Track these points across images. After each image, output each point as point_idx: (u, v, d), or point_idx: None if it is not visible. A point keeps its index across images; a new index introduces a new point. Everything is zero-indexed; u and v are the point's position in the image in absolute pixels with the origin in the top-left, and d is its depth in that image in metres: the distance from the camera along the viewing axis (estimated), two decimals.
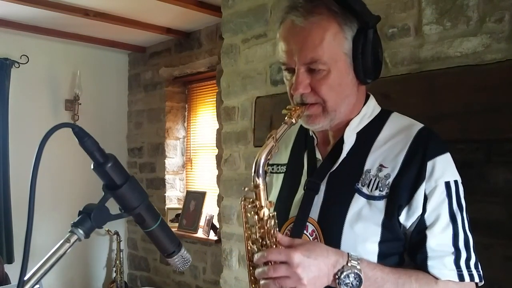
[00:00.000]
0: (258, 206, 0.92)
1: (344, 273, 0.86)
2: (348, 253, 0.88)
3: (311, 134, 1.10)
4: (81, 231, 0.71)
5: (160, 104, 4.18)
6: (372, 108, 1.05)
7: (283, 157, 1.16)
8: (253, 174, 0.92)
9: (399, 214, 0.93)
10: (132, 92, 4.50)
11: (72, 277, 4.09)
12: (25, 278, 0.66)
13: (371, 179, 0.95)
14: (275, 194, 1.12)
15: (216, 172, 3.37)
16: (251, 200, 0.94)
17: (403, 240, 0.95)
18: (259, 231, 0.93)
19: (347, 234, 0.94)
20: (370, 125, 1.03)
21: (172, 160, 4.17)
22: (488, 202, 1.48)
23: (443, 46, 1.64)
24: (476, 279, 0.92)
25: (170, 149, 4.16)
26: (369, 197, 0.95)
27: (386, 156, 0.97)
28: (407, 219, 0.93)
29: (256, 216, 0.93)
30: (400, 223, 0.93)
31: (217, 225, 3.41)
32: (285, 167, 1.15)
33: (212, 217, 3.57)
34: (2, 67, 3.63)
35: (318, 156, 1.06)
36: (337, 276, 0.86)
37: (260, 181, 0.92)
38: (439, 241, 0.91)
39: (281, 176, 1.14)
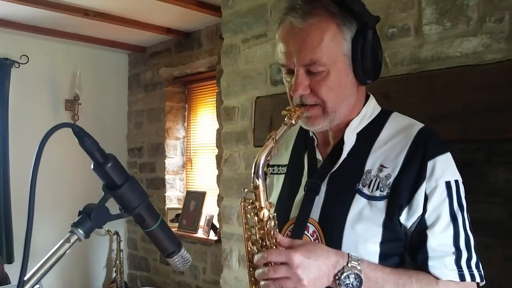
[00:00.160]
0: (258, 207, 0.92)
1: (345, 274, 0.86)
2: (348, 254, 0.88)
3: (311, 135, 1.09)
4: (81, 231, 0.71)
5: (160, 104, 4.18)
6: (372, 108, 1.05)
7: (284, 158, 1.16)
8: (252, 175, 0.92)
9: (399, 214, 0.92)
10: (132, 92, 4.50)
11: (72, 277, 4.09)
12: (25, 278, 0.66)
13: (372, 180, 0.95)
14: (275, 195, 1.12)
15: (216, 172, 3.37)
16: (250, 201, 0.94)
17: (404, 241, 0.95)
18: (259, 232, 0.92)
19: (348, 235, 0.94)
20: (370, 125, 1.03)
21: (172, 160, 4.17)
22: (488, 202, 1.48)
23: (443, 46, 1.64)
24: (477, 279, 0.91)
25: (170, 149, 4.16)
26: (370, 198, 0.94)
27: (387, 156, 0.96)
28: (407, 219, 0.93)
29: (256, 217, 0.93)
30: (400, 223, 0.93)
31: (217, 225, 3.41)
32: (285, 168, 1.14)
33: (212, 217, 3.57)
34: (2, 67, 3.63)
35: (319, 156, 1.06)
36: (337, 277, 0.86)
37: (259, 182, 0.92)
38: (439, 241, 0.91)
39: (282, 177, 1.14)
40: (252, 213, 0.93)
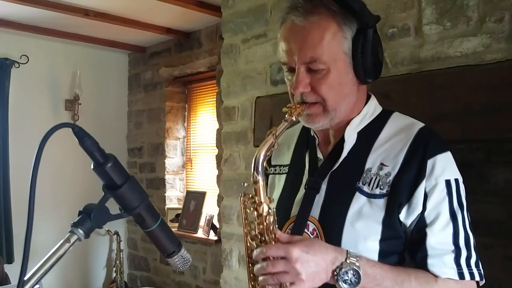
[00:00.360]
0: (257, 202, 0.93)
1: (343, 270, 0.86)
2: (347, 250, 0.89)
3: (312, 134, 1.10)
4: (81, 231, 0.71)
5: (160, 104, 4.18)
6: (373, 108, 1.05)
7: (285, 158, 1.17)
8: (252, 170, 0.92)
9: (399, 212, 0.93)
10: (132, 92, 4.50)
11: (72, 277, 4.09)
12: (25, 278, 0.66)
13: (372, 178, 0.96)
14: (277, 195, 1.13)
15: (216, 172, 3.37)
16: (250, 195, 0.94)
17: (404, 239, 0.95)
18: (258, 227, 0.93)
19: (348, 232, 0.94)
20: (371, 125, 1.03)
21: (172, 160, 4.17)
22: (488, 202, 1.48)
23: (443, 46, 1.64)
24: (477, 278, 0.91)
25: (170, 149, 4.16)
26: (370, 195, 0.95)
27: (387, 155, 0.97)
28: (407, 217, 0.93)
29: (255, 212, 0.93)
30: (400, 222, 0.93)
31: (217, 225, 3.41)
32: (287, 168, 1.15)
33: (212, 217, 3.57)
34: (2, 67, 3.63)
35: (320, 155, 1.07)
36: (335, 272, 0.86)
37: (259, 177, 0.92)
38: (439, 239, 0.91)
39: (283, 177, 1.14)
40: (251, 208, 0.94)
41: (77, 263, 4.10)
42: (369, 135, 1.02)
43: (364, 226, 0.93)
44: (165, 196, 4.14)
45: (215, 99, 3.53)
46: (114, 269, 4.14)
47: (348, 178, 0.99)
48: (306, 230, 0.99)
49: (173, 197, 4.19)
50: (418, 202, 0.92)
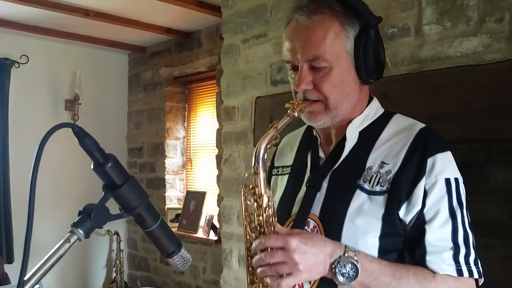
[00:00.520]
0: (257, 193, 0.94)
1: (341, 263, 0.87)
2: (345, 245, 0.89)
3: (315, 134, 1.12)
4: (81, 231, 0.71)
5: (160, 104, 4.18)
6: (375, 109, 1.07)
7: (288, 159, 1.18)
8: (253, 161, 0.94)
9: (399, 209, 0.93)
10: (132, 92, 4.50)
11: (72, 277, 4.09)
12: (25, 278, 0.66)
13: (373, 176, 0.97)
14: (279, 194, 1.14)
15: (216, 172, 3.37)
16: (250, 186, 0.96)
17: (403, 236, 0.96)
18: (257, 219, 0.94)
19: (348, 229, 0.95)
20: (372, 125, 1.05)
21: (172, 160, 4.17)
22: (488, 202, 1.48)
23: (443, 46, 1.64)
24: (475, 275, 0.91)
25: (170, 149, 4.16)
26: (370, 193, 0.96)
27: (388, 153, 0.98)
28: (406, 214, 0.93)
29: (255, 204, 0.95)
30: (400, 219, 0.94)
31: (217, 225, 3.41)
32: (289, 168, 1.17)
33: (212, 217, 3.57)
34: (2, 67, 3.63)
35: (321, 154, 1.08)
36: (333, 266, 0.87)
37: (260, 168, 0.94)
38: (438, 236, 0.91)
39: (286, 177, 1.16)
40: (252, 200, 0.95)
41: (77, 263, 4.10)
42: (370, 134, 1.03)
43: (364, 222, 0.94)
44: (165, 196, 4.14)
45: (215, 99, 3.53)
46: (114, 269, 4.14)
47: (349, 176, 1.00)
48: (306, 228, 1.00)
49: (173, 197, 4.19)
50: (417, 199, 0.92)
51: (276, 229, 0.93)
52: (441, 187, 0.92)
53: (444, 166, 0.94)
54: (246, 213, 0.98)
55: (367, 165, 0.99)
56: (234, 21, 2.53)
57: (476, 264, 0.92)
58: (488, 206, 1.48)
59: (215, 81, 3.51)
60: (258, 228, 0.94)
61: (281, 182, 1.16)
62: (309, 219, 1.00)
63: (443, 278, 0.90)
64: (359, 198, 0.96)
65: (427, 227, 0.92)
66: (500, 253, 1.46)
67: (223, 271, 2.57)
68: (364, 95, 1.06)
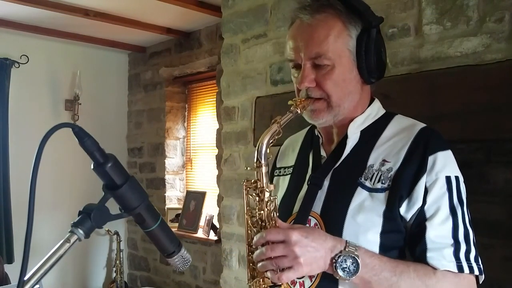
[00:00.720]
0: (259, 187, 0.95)
1: (342, 257, 0.87)
2: (346, 240, 0.90)
3: (316, 134, 1.13)
4: (81, 231, 0.71)
5: (160, 104, 4.18)
6: (376, 110, 1.08)
7: (290, 160, 1.19)
8: (255, 155, 0.95)
9: (399, 206, 0.94)
10: (132, 92, 4.50)
11: (72, 277, 4.09)
12: (25, 278, 0.66)
13: (374, 173, 0.98)
14: (281, 194, 1.15)
15: (216, 172, 3.37)
16: (252, 181, 0.97)
17: (404, 233, 0.96)
18: (259, 213, 0.95)
19: (349, 225, 0.95)
20: (374, 125, 1.06)
21: (172, 160, 4.17)
22: (488, 202, 1.48)
23: (443, 46, 1.64)
24: (476, 272, 0.92)
25: (170, 149, 4.16)
26: (371, 190, 0.96)
27: (389, 152, 0.99)
28: (407, 211, 0.94)
29: (257, 198, 0.96)
30: (401, 216, 0.95)
31: (217, 225, 3.41)
32: (291, 169, 1.17)
33: (212, 217, 3.57)
34: (2, 67, 3.63)
35: (323, 153, 1.09)
36: (334, 260, 0.87)
37: (262, 163, 0.95)
38: (438, 233, 0.92)
39: (288, 177, 1.17)
40: (253, 194, 0.96)
41: (77, 263, 4.10)
42: (372, 134, 1.04)
43: (365, 219, 0.95)
44: (165, 196, 4.14)
45: (215, 99, 3.53)
46: (114, 269, 4.14)
47: (350, 174, 1.00)
48: (307, 225, 1.01)
49: (173, 197, 4.19)
50: (418, 196, 0.93)
51: (277, 224, 0.93)
52: (441, 184, 0.93)
53: (444, 164, 0.94)
54: (247, 208, 0.99)
55: (369, 163, 1.00)
56: (234, 21, 2.53)
57: (476, 260, 0.92)
58: (488, 206, 1.48)
59: (215, 81, 3.51)
60: (260, 223, 0.95)
61: (283, 182, 1.17)
62: (310, 217, 1.01)
63: (443, 274, 0.90)
64: (360, 195, 0.97)
65: (428, 224, 0.92)
66: (500, 253, 1.46)
67: (223, 271, 2.57)
68: (366, 95, 1.07)
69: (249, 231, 0.98)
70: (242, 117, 2.50)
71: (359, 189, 0.98)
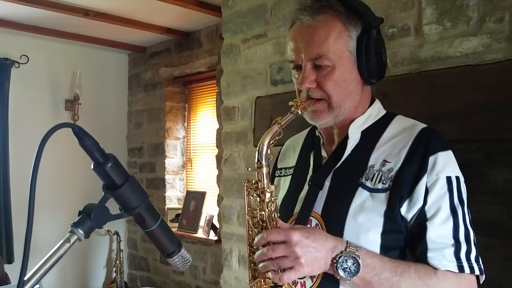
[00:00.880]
0: (260, 187, 0.96)
1: (342, 258, 0.87)
2: (347, 241, 0.90)
3: (317, 134, 1.13)
4: (81, 231, 0.71)
5: (160, 104, 4.18)
6: (377, 110, 1.08)
7: (291, 161, 1.20)
8: (256, 156, 0.95)
9: (400, 206, 0.94)
10: (132, 92, 4.50)
11: (72, 277, 4.09)
12: (25, 278, 0.66)
13: (375, 174, 0.98)
14: (282, 195, 1.15)
15: (216, 172, 3.37)
16: (253, 181, 0.97)
17: (405, 234, 0.96)
18: (260, 214, 0.95)
19: (350, 225, 0.95)
20: (374, 125, 1.06)
21: (172, 160, 4.17)
22: (488, 202, 1.48)
23: (443, 46, 1.64)
24: (477, 272, 0.92)
25: (170, 149, 4.16)
26: (372, 190, 0.97)
27: (390, 152, 0.99)
28: (408, 211, 0.94)
29: (258, 198, 0.96)
30: (402, 216, 0.95)
31: (217, 225, 3.41)
32: (292, 169, 1.18)
33: (212, 217, 3.57)
34: (2, 67, 3.63)
35: (324, 154, 1.09)
36: (335, 260, 0.88)
37: (263, 163, 0.95)
38: (439, 233, 0.92)
39: (289, 178, 1.17)
40: (254, 194, 0.96)
41: (77, 263, 4.10)
42: (372, 134, 1.04)
43: (365, 219, 0.95)
44: (165, 196, 4.14)
45: (215, 99, 3.53)
46: (114, 269, 4.14)
47: (351, 175, 1.01)
48: (308, 226, 1.01)
49: (173, 197, 4.19)
50: (419, 196, 0.93)
51: (278, 224, 0.94)
52: (442, 184, 0.93)
53: (445, 164, 0.95)
54: (248, 208, 0.99)
55: (369, 163, 1.00)
56: (234, 21, 2.53)
57: (477, 260, 0.92)
58: (488, 206, 1.48)
59: (215, 81, 3.51)
60: (261, 223, 0.95)
61: (284, 183, 1.17)
62: (311, 217, 1.01)
63: (444, 274, 0.90)
64: (361, 195, 0.97)
65: (429, 224, 0.92)
66: (500, 253, 1.46)
67: (223, 271, 2.57)
68: (367, 96, 1.07)
69: (250, 232, 0.98)
70: (242, 117, 2.50)
71: (360, 189, 0.98)
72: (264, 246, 0.90)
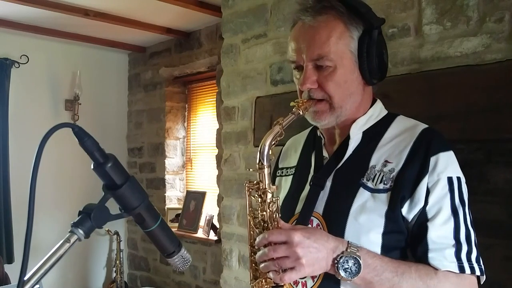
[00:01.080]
0: (261, 188, 0.96)
1: (343, 258, 0.88)
2: (348, 241, 0.90)
3: (319, 135, 1.13)
4: (81, 231, 0.71)
5: (160, 104, 4.18)
6: (379, 111, 1.08)
7: (292, 161, 1.20)
8: (258, 156, 0.96)
9: (401, 206, 0.94)
10: (132, 92, 4.50)
11: (72, 277, 4.09)
12: (25, 278, 0.66)
13: (376, 174, 0.98)
14: (283, 195, 1.15)
15: (216, 172, 3.37)
16: (255, 182, 0.97)
17: (406, 234, 0.96)
18: (261, 214, 0.96)
19: (351, 226, 0.96)
20: (376, 126, 1.06)
21: (172, 160, 4.17)
22: (488, 202, 1.48)
23: (443, 46, 1.64)
24: (477, 272, 0.92)
25: (170, 149, 4.15)
26: (374, 191, 0.97)
27: (391, 152, 0.99)
28: (409, 211, 0.94)
29: (259, 199, 0.96)
30: (403, 216, 0.95)
31: (217, 225, 3.41)
32: (293, 169, 1.18)
33: (212, 217, 3.57)
34: (2, 67, 3.63)
35: (325, 154, 1.10)
36: (336, 261, 0.88)
37: (265, 164, 0.95)
38: (440, 233, 0.92)
39: (290, 178, 1.17)
40: (256, 195, 0.97)
41: (77, 263, 4.10)
42: (374, 134, 1.04)
43: (367, 220, 0.95)
44: (165, 196, 4.14)
45: (215, 99, 3.53)
46: (114, 269, 4.14)
47: (352, 175, 1.01)
48: (309, 226, 1.01)
49: (173, 197, 4.19)
50: (420, 197, 0.93)
51: (279, 225, 0.94)
52: (443, 185, 0.93)
53: (446, 165, 0.95)
54: (250, 209, 0.99)
55: (371, 164, 1.00)
56: (234, 21, 2.53)
57: (478, 261, 0.92)
58: (488, 206, 1.48)
59: (215, 81, 3.51)
60: (262, 224, 0.96)
61: (285, 183, 1.17)
62: (312, 217, 1.02)
63: (445, 275, 0.91)
64: (362, 196, 0.97)
65: (429, 224, 0.93)
66: (500, 253, 1.46)
67: (223, 271, 2.57)
68: (368, 96, 1.07)
69: (252, 232, 0.98)
70: (242, 117, 2.50)
71: (361, 189, 0.98)
72: (265, 246, 0.90)
